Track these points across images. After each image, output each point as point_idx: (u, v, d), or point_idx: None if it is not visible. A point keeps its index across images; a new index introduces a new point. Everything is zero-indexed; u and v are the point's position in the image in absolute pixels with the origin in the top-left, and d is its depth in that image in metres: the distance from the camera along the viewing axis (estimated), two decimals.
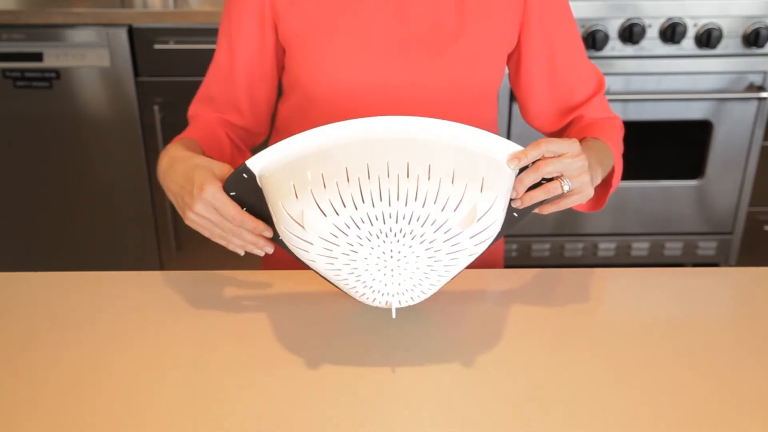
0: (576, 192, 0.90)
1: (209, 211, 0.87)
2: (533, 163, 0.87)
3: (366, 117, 0.84)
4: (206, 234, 0.90)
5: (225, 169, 0.89)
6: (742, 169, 2.27)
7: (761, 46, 2.10)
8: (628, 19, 2.08)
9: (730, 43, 2.11)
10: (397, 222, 0.79)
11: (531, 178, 0.87)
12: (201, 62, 2.08)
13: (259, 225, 0.88)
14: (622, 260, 2.39)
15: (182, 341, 0.93)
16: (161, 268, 2.36)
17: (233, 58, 1.09)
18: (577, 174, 0.88)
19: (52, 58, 2.10)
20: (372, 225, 0.79)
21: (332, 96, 1.06)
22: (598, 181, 0.98)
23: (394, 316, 0.93)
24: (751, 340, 0.94)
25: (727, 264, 2.40)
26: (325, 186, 0.78)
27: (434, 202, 0.78)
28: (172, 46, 2.08)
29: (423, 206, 0.78)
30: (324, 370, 0.88)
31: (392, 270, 0.85)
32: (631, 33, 2.07)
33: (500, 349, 0.91)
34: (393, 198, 0.77)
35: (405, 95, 1.06)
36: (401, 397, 0.84)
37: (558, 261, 2.40)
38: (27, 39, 2.08)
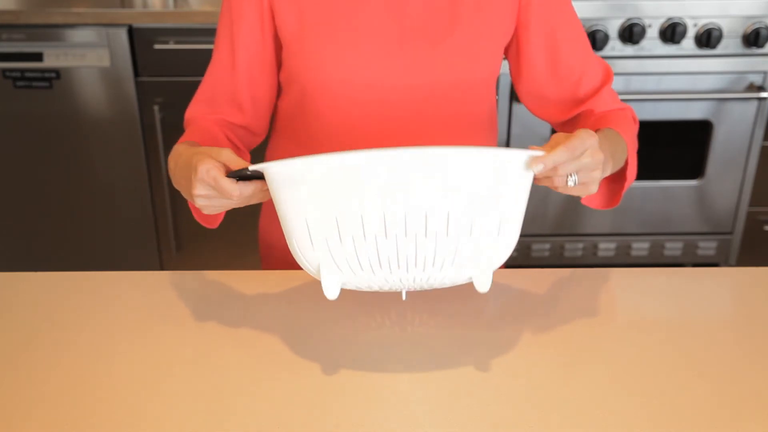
0: (580, 186, 0.88)
1: (208, 189, 0.86)
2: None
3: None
4: (222, 210, 0.90)
5: (225, 152, 0.87)
6: (742, 169, 2.27)
7: (761, 46, 2.10)
8: (628, 19, 2.08)
9: (730, 43, 2.11)
10: (414, 281, 0.82)
11: (547, 174, 0.85)
12: (201, 62, 2.08)
13: (257, 192, 0.86)
14: (622, 260, 2.39)
15: (182, 341, 0.93)
16: (161, 268, 2.36)
17: (234, 51, 1.09)
18: (588, 170, 0.86)
19: (52, 58, 2.10)
20: (387, 282, 0.81)
21: (329, 90, 1.07)
22: (607, 173, 0.96)
23: (404, 298, 0.92)
24: (751, 340, 0.94)
25: (727, 264, 2.40)
26: (341, 240, 0.78)
27: (452, 264, 0.80)
28: (172, 46, 2.08)
29: (441, 269, 0.80)
30: (324, 369, 0.88)
31: (405, 288, 0.86)
32: (631, 33, 2.07)
33: (500, 349, 0.91)
34: (411, 264, 0.79)
35: (402, 89, 1.06)
36: (401, 397, 0.84)
37: (558, 261, 2.40)
38: (27, 39, 2.08)
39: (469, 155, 0.76)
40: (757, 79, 2.16)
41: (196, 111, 1.13)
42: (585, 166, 0.85)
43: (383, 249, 0.77)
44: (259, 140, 1.18)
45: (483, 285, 0.83)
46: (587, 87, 1.12)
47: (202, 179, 0.85)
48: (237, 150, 1.13)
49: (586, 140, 0.84)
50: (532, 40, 1.09)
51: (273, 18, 1.08)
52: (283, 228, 0.84)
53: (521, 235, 2.34)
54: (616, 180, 1.08)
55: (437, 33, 1.05)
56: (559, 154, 0.82)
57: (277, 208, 0.83)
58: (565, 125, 1.16)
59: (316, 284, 1.02)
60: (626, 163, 1.04)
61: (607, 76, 1.13)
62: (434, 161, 0.75)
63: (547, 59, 1.11)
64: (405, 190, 0.75)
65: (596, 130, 1.02)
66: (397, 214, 0.76)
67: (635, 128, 1.10)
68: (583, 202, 1.02)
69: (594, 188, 0.89)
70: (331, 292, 0.83)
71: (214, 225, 1.06)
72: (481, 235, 0.79)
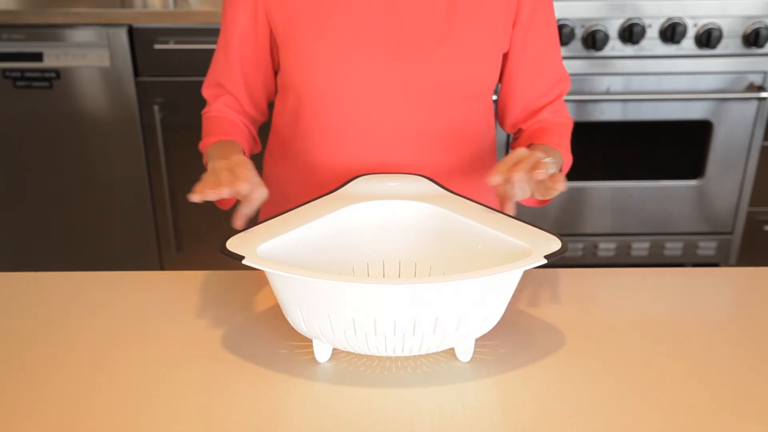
0: (557, 174, 0.93)
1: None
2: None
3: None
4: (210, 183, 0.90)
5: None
6: (742, 169, 2.27)
7: (761, 46, 2.10)
8: (628, 19, 2.08)
9: (730, 43, 2.11)
10: (401, 356, 0.88)
11: (522, 171, 0.90)
12: (201, 62, 2.08)
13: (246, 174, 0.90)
14: (622, 260, 2.39)
15: (182, 341, 0.93)
16: (161, 268, 2.36)
17: (229, 53, 1.11)
18: (542, 159, 0.92)
19: (52, 58, 2.10)
20: (377, 353, 0.85)
21: (322, 94, 1.07)
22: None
23: None
24: (751, 340, 0.94)
25: (727, 264, 2.40)
26: (332, 330, 0.82)
27: (437, 347, 0.85)
28: (172, 46, 2.08)
29: (426, 351, 0.85)
30: (324, 369, 0.88)
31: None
32: (631, 33, 2.07)
33: (499, 348, 0.91)
34: (398, 350, 0.84)
35: (396, 93, 1.06)
36: (400, 396, 0.84)
37: (558, 261, 2.39)
38: (27, 39, 2.08)
39: (458, 285, 0.79)
40: (757, 79, 2.16)
41: (214, 101, 1.16)
42: (537, 157, 0.92)
43: (372, 341, 0.82)
44: (261, 123, 1.21)
45: (465, 355, 0.89)
46: (542, 102, 1.16)
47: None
48: (254, 142, 1.19)
49: (514, 152, 0.93)
50: (519, 51, 1.12)
51: (268, 21, 1.08)
52: (276, 297, 0.87)
53: None
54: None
55: (432, 38, 1.05)
56: (505, 161, 0.91)
57: (271, 284, 0.85)
58: (514, 137, 1.22)
59: None
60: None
61: (560, 93, 1.17)
62: (423, 293, 0.79)
63: (528, 72, 1.13)
64: (395, 309, 0.79)
65: (530, 145, 1.11)
66: (387, 321, 0.80)
67: (567, 132, 1.16)
68: (520, 201, 1.05)
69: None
70: (321, 358, 0.89)
71: (227, 206, 1.10)
72: (467, 328, 0.84)
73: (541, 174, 0.88)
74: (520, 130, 1.19)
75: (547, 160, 0.91)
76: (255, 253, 0.83)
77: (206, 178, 0.90)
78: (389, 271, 0.98)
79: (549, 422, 0.80)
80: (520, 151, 0.93)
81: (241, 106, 1.15)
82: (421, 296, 0.79)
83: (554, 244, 0.85)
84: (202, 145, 1.11)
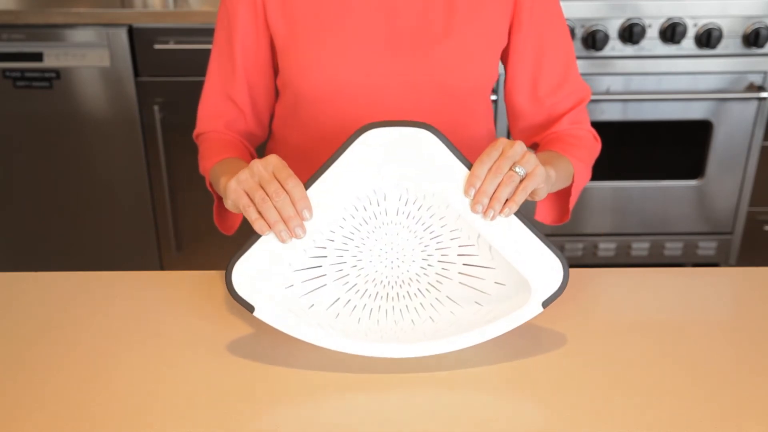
0: (531, 175, 0.88)
1: (264, 168, 0.86)
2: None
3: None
4: (243, 200, 0.86)
5: None
6: (742, 169, 2.27)
7: (761, 46, 2.10)
8: (628, 19, 2.08)
9: (730, 43, 2.11)
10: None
11: (492, 183, 0.86)
12: (201, 62, 2.08)
13: (307, 201, 0.85)
14: (622, 260, 2.39)
15: (182, 341, 0.93)
16: (161, 268, 2.36)
17: (233, 57, 1.10)
18: (521, 157, 0.88)
19: (52, 58, 2.09)
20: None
21: (321, 94, 1.07)
22: (552, 175, 0.95)
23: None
24: (751, 341, 0.94)
25: (727, 264, 2.40)
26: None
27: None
28: (172, 46, 2.08)
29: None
30: (323, 369, 0.88)
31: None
32: (631, 33, 2.07)
33: (499, 348, 0.91)
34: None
35: (394, 93, 1.06)
36: (401, 397, 0.84)
37: None
38: (27, 39, 2.08)
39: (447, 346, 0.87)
40: (757, 79, 2.16)
41: (211, 118, 1.14)
42: (513, 157, 0.87)
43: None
44: (260, 142, 1.20)
45: None
46: (557, 111, 1.12)
47: (269, 160, 0.86)
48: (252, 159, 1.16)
49: (493, 146, 0.88)
50: (521, 50, 1.10)
51: (267, 24, 1.08)
52: None
53: None
54: (562, 196, 1.10)
55: (430, 38, 1.05)
56: (478, 168, 0.86)
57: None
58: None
59: None
60: (572, 179, 1.06)
61: (580, 101, 1.13)
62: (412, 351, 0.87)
63: (530, 70, 1.11)
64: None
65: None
66: None
67: (583, 144, 1.10)
68: (536, 218, 1.04)
69: (542, 170, 0.89)
70: None
71: (231, 232, 1.11)
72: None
73: (489, 215, 0.87)
74: (535, 145, 1.15)
75: (517, 169, 0.87)
76: (265, 297, 0.87)
77: (259, 202, 0.85)
78: (390, 203, 0.92)
79: (549, 422, 0.80)
80: (496, 147, 0.88)
81: (245, 122, 1.14)
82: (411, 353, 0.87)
83: (556, 274, 0.88)
84: (204, 168, 1.08)
